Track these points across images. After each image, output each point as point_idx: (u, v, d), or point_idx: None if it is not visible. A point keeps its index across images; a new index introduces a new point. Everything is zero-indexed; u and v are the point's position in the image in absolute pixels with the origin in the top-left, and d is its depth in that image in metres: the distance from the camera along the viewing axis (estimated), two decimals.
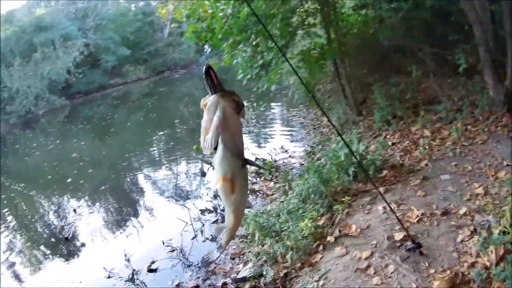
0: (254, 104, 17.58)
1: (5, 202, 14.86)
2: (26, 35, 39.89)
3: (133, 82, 43.59)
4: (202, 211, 9.53)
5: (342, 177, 6.93)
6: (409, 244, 4.80)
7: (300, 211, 6.60)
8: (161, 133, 19.80)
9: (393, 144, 8.35)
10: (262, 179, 10.13)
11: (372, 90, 9.58)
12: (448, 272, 4.30)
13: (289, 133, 13.84)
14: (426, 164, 7.02)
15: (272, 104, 18.63)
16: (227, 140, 1.82)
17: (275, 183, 9.57)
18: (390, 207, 4.84)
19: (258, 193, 9.55)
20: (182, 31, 43.04)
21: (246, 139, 14.63)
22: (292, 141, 12.84)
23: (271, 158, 11.07)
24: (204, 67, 1.91)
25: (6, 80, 36.34)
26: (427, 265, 4.52)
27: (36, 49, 38.69)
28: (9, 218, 13.22)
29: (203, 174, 12.25)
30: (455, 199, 5.71)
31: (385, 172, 7.08)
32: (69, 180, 15.41)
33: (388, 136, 8.76)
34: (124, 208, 11.97)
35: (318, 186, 6.81)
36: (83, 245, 9.94)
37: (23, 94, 36.17)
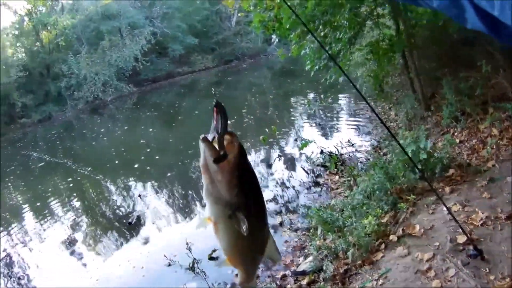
0: (322, 96, 17.48)
1: (71, 185, 15.61)
2: (92, 23, 41.00)
3: (200, 70, 43.92)
4: (268, 201, 9.46)
5: (408, 175, 6.81)
6: (471, 250, 4.70)
7: (364, 207, 6.55)
8: (228, 122, 19.93)
9: (460, 142, 8.11)
10: (327, 172, 10.12)
11: (441, 85, 9.30)
12: (507, 279, 4.19)
13: (356, 126, 13.69)
14: (493, 165, 6.76)
15: (340, 96, 18.44)
16: (208, 185, 1.71)
17: (340, 177, 9.52)
18: (450, 211, 4.76)
19: (322, 187, 9.58)
20: (249, 20, 42.43)
21: (313, 131, 14.65)
22: (358, 135, 12.72)
23: (337, 151, 11.00)
24: (215, 103, 1.72)
25: (74, 67, 37.44)
26: (487, 270, 4.41)
27: (103, 37, 39.69)
28: (75, 200, 13.87)
29: (270, 165, 12.33)
30: None
31: (451, 171, 6.87)
32: (135, 165, 15.88)
33: (455, 134, 8.51)
34: (189, 195, 12.22)
35: (383, 182, 6.74)
36: (146, 231, 10.21)
37: (90, 80, 37.22)
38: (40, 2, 41.16)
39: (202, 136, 1.72)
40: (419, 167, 6.76)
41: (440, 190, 6.32)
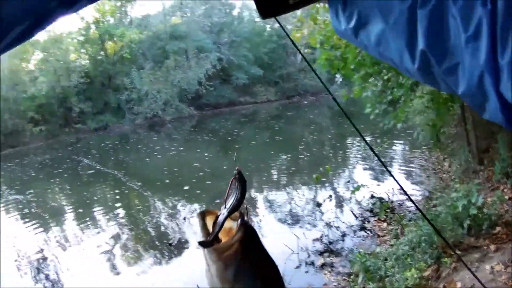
0: (378, 140, 17.37)
1: (117, 197, 15.88)
2: (159, 41, 41.83)
3: (262, 102, 44.21)
4: (314, 240, 9.53)
5: (456, 229, 6.71)
6: None
7: (409, 259, 6.48)
8: (284, 156, 20.02)
9: (509, 199, 7.94)
10: (376, 218, 10.04)
11: (496, 139, 9.15)
12: None
13: (408, 174, 13.52)
14: None
15: (395, 142, 18.29)
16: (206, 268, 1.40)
17: (388, 224, 9.43)
18: (476, 277, 4.65)
19: (369, 232, 9.50)
20: (314, 58, 42.62)
21: (366, 175, 14.56)
22: (411, 183, 12.57)
23: (388, 198, 10.90)
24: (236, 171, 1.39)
25: (136, 81, 38.21)
26: None
27: (169, 56, 40.39)
28: (119, 212, 14.10)
29: (318, 204, 12.29)
30: None
31: (498, 228, 6.72)
32: (186, 187, 16.00)
33: (505, 190, 8.33)
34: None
35: (431, 235, 6.66)
36: (185, 254, 10.30)
37: (152, 97, 37.92)
38: (109, 12, 42.31)
39: (199, 211, 1.49)
40: (468, 222, 6.68)
41: (485, 247, 6.20)
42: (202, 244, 1.34)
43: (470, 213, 6.65)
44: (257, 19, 50.42)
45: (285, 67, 46.93)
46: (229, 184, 1.41)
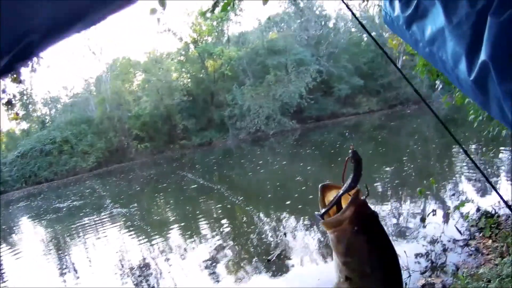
0: (483, 149, 16.61)
1: (220, 211, 16.29)
2: (258, 57, 42.54)
3: (364, 113, 43.87)
4: (416, 255, 9.31)
5: None
6: None
7: None
8: (387, 168, 19.64)
9: None
10: (481, 234, 9.60)
11: None
12: None
13: None
14: None
15: (503, 150, 17.43)
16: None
17: (493, 241, 8.97)
18: None
19: (472, 250, 9.10)
20: (414, 65, 41.58)
21: (472, 187, 13.98)
22: None
23: (494, 211, 10.39)
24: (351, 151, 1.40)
25: (238, 98, 39.07)
26: None
27: (269, 71, 41.03)
28: (221, 226, 14.48)
29: (423, 219, 11.92)
30: None
31: None
32: (288, 202, 16.07)
33: None
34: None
35: None
36: (283, 271, 10.24)
37: (254, 113, 38.59)
38: (205, 31, 43.43)
39: (322, 184, 1.53)
40: None
41: None
42: (320, 216, 1.41)
43: None
44: (353, 29, 50.18)
45: (385, 76, 46.28)
46: (345, 163, 1.49)
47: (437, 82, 10.41)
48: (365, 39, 48.90)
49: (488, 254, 8.52)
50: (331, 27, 49.50)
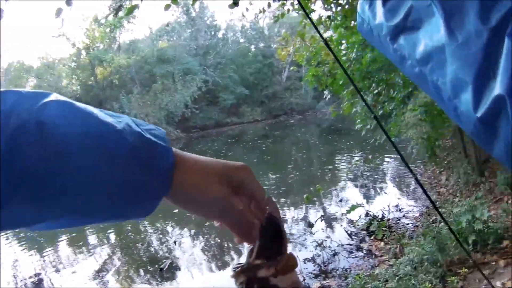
0: (369, 156, 17.06)
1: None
2: (147, 65, 42.40)
3: (249, 122, 44.54)
4: (306, 260, 9.17)
5: (460, 246, 6.34)
6: None
7: (412, 280, 6.04)
8: (273, 176, 19.73)
9: None
10: (372, 238, 9.64)
11: None
12: None
13: (404, 190, 13.19)
14: None
15: (388, 157, 18.00)
16: None
17: (385, 243, 9.02)
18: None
19: (366, 252, 9.10)
20: (300, 76, 44.01)
21: (359, 193, 14.28)
22: (407, 199, 12.20)
23: (383, 215, 10.51)
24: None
25: (125, 106, 38.65)
26: None
27: (156, 80, 40.98)
28: (112, 236, 13.96)
29: (310, 225, 11.88)
30: None
31: (506, 242, 6.38)
32: (175, 210, 15.57)
33: (509, 201, 8.05)
34: (224, 246, 11.86)
35: (433, 253, 6.26)
36: (175, 279, 9.96)
37: None
38: (98, 38, 42.79)
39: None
40: (473, 238, 6.32)
41: (493, 263, 5.86)
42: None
43: (475, 228, 6.30)
44: (242, 39, 51.07)
45: (271, 86, 47.40)
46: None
47: (325, 92, 10.49)
48: (253, 49, 49.87)
49: (381, 256, 8.59)
50: (220, 37, 50.01)
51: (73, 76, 43.57)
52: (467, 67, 0.63)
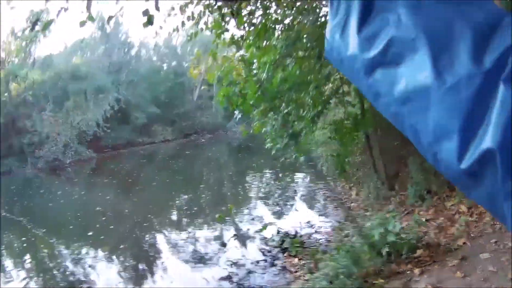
0: (280, 175, 17.28)
1: (25, 244, 14.96)
2: (61, 82, 41.09)
3: (160, 142, 44.11)
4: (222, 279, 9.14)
5: (375, 258, 6.50)
6: None
7: None
8: (185, 196, 19.61)
9: (426, 220, 8.01)
10: (285, 254, 9.69)
11: (405, 163, 9.23)
12: None
13: (315, 206, 13.43)
14: (464, 243, 6.64)
15: (298, 175, 18.30)
16: None
17: (299, 259, 9.10)
18: None
19: (279, 269, 9.14)
20: (211, 95, 44.18)
21: (270, 211, 14.39)
22: (318, 215, 12.39)
23: (296, 232, 10.62)
24: None
25: (38, 124, 37.40)
26: None
27: (69, 97, 39.77)
28: (28, 260, 13.38)
29: (224, 244, 11.83)
30: (497, 279, 5.31)
31: (419, 251, 6.64)
32: (90, 233, 15.21)
33: (421, 212, 8.40)
34: (139, 269, 11.62)
35: (348, 266, 6.35)
36: None
37: (52, 140, 37.17)
38: (14, 52, 41.13)
39: None
40: (386, 249, 6.47)
41: (408, 272, 6.08)
42: None
43: (388, 240, 6.46)
44: (155, 57, 50.68)
45: (182, 105, 47.12)
46: None
47: (236, 112, 10.54)
48: (165, 67, 49.55)
49: (296, 272, 8.66)
50: (133, 55, 49.27)
51: None
52: (454, 114, 0.58)
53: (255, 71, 9.59)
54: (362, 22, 0.69)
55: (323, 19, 9.02)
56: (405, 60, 0.64)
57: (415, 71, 0.62)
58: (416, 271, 6.05)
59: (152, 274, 10.73)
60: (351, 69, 0.73)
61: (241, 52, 10.38)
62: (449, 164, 0.60)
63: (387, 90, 0.67)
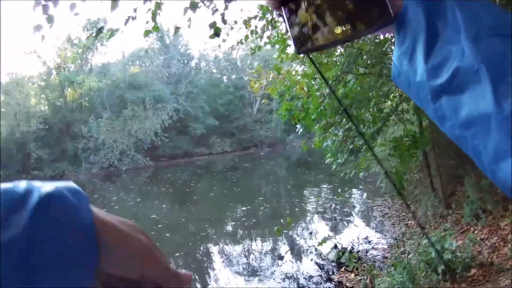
0: (339, 190, 17.20)
1: None
2: (118, 90, 41.79)
3: (218, 153, 44.29)
4: None
5: (430, 275, 6.48)
6: None
7: None
8: (242, 208, 19.66)
9: (481, 240, 7.84)
10: (342, 269, 9.69)
11: (462, 182, 9.10)
12: None
13: (372, 223, 13.34)
14: None
15: (357, 191, 18.18)
16: None
17: (355, 275, 9.09)
18: None
19: (336, 284, 9.14)
20: (271, 109, 44.05)
21: (328, 225, 14.34)
22: (375, 231, 12.33)
23: (353, 247, 10.61)
24: None
25: (94, 130, 38.04)
26: None
27: (127, 105, 40.38)
28: None
29: (280, 257, 11.89)
30: None
31: (473, 270, 6.59)
32: None
33: (476, 232, 8.25)
34: (193, 278, 11.72)
35: (404, 283, 6.38)
36: None
37: (108, 147, 37.77)
38: (70, 58, 42.09)
39: None
40: (442, 267, 6.46)
41: None
42: None
43: (444, 258, 6.44)
44: (214, 70, 51.10)
45: (241, 118, 47.28)
46: None
47: (298, 126, 10.60)
48: (225, 80, 49.85)
49: (352, 287, 8.59)
50: (192, 66, 49.85)
51: (42, 96, 42.49)
52: (511, 138, 0.65)
53: (317, 86, 9.63)
54: (429, 52, 0.76)
55: (381, 37, 9.04)
56: (468, 88, 0.71)
57: (478, 99, 0.69)
58: None
59: (205, 285, 10.90)
60: (418, 94, 0.82)
61: (304, 67, 10.48)
62: (506, 182, 0.67)
63: (452, 114, 0.74)
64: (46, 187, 0.60)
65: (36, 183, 0.61)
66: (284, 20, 0.85)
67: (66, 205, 0.59)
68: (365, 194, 17.85)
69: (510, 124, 0.65)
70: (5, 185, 0.58)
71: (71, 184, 0.66)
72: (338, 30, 0.83)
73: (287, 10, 0.88)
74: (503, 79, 0.67)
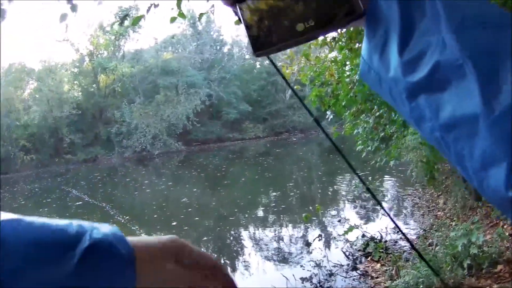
0: (370, 178, 17.03)
1: None
2: (151, 75, 42.26)
3: (250, 139, 44.42)
4: (303, 280, 9.12)
5: (456, 270, 6.36)
6: None
7: None
8: (273, 194, 19.70)
9: (509, 235, 7.64)
10: (368, 259, 9.62)
11: None
12: None
13: (402, 213, 13.19)
14: None
15: (388, 179, 17.99)
16: None
17: (382, 265, 9.00)
18: None
19: (361, 273, 9.08)
20: (304, 95, 43.43)
21: (357, 214, 14.24)
22: (404, 221, 12.19)
23: (381, 237, 10.50)
24: None
25: (126, 115, 38.65)
26: None
27: (159, 91, 40.93)
28: None
29: (308, 244, 11.86)
30: None
31: (500, 266, 6.43)
32: (174, 223, 15.64)
33: (505, 226, 8.06)
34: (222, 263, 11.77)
35: (429, 276, 6.28)
36: None
37: (141, 131, 38.34)
38: (102, 45, 42.70)
39: None
40: (468, 262, 6.34)
41: (487, 287, 5.86)
42: None
43: (470, 252, 6.32)
44: (247, 56, 51.14)
45: (274, 104, 47.31)
46: None
47: (328, 112, 10.50)
48: (258, 66, 49.84)
49: (377, 278, 8.55)
50: (225, 52, 50.06)
51: (75, 82, 43.45)
52: (502, 142, 0.58)
53: (347, 73, 9.53)
54: (404, 44, 0.67)
55: None
56: (451, 85, 0.63)
57: (462, 98, 0.62)
58: (495, 287, 5.90)
59: (233, 269, 10.85)
60: (391, 92, 0.73)
61: (334, 53, 10.37)
62: (495, 191, 0.59)
63: (432, 115, 0.66)
64: (95, 233, 0.65)
65: (87, 225, 0.67)
66: (239, 19, 0.77)
67: (112, 255, 0.64)
68: (396, 183, 17.66)
69: (501, 126, 0.58)
70: (58, 223, 0.63)
71: (117, 231, 0.71)
72: (300, 27, 0.75)
73: (244, 7, 0.79)
74: (492, 74, 0.59)
